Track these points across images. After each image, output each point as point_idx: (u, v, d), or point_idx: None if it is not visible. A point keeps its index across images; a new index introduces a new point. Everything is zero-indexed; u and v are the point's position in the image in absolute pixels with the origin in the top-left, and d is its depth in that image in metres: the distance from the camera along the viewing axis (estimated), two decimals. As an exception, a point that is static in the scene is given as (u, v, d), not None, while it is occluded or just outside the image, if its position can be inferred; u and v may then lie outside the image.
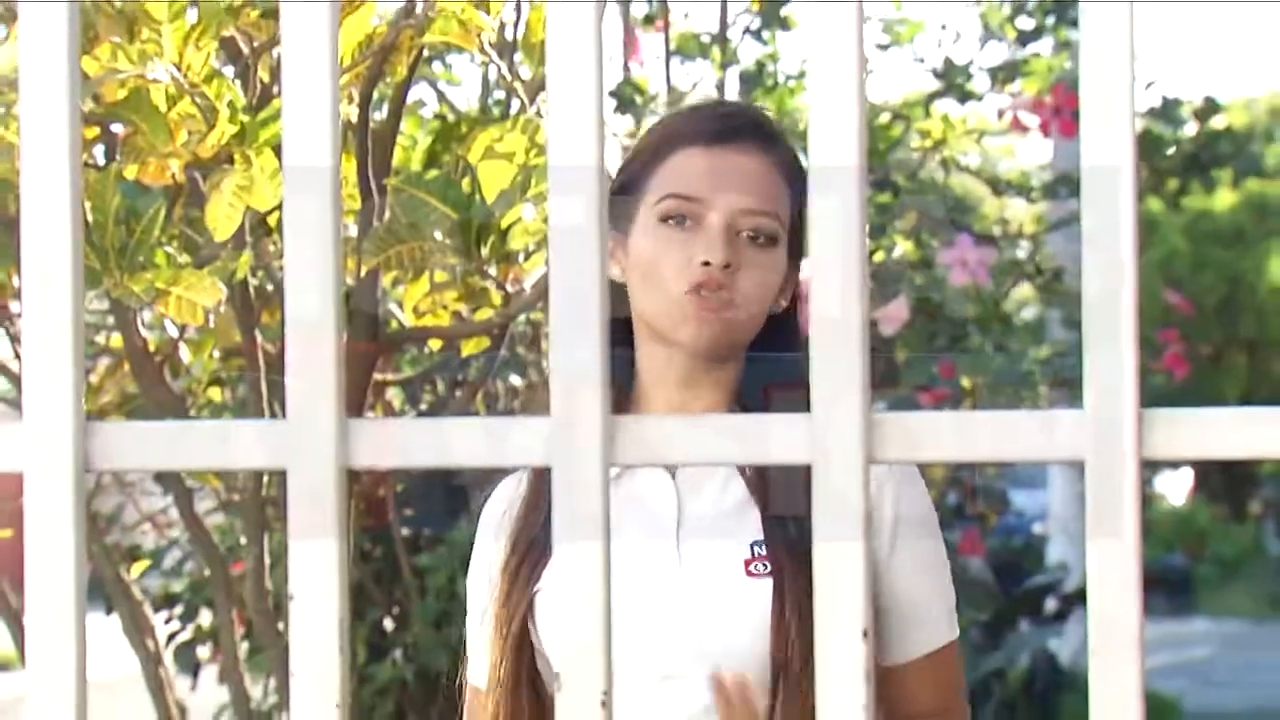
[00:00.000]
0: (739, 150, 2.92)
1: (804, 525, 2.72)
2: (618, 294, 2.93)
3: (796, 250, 2.94)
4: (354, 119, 4.31)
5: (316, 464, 1.26)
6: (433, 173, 4.57)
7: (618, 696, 2.19)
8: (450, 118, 5.36)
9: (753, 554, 2.84)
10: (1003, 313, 7.31)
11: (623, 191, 2.98)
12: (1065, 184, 8.33)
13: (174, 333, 5.02)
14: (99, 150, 4.17)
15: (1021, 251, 8.12)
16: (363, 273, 4.33)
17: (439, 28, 4.28)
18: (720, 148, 2.91)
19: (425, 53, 4.67)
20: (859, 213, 1.23)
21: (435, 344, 5.20)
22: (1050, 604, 10.77)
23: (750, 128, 3.00)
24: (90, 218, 3.73)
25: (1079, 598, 10.67)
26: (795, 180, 2.91)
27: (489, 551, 3.01)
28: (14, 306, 4.51)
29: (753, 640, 2.79)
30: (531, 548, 2.92)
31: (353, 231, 4.49)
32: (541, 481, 2.88)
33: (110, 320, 4.92)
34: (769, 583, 2.80)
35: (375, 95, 4.55)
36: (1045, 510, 15.58)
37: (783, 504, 2.87)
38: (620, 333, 2.89)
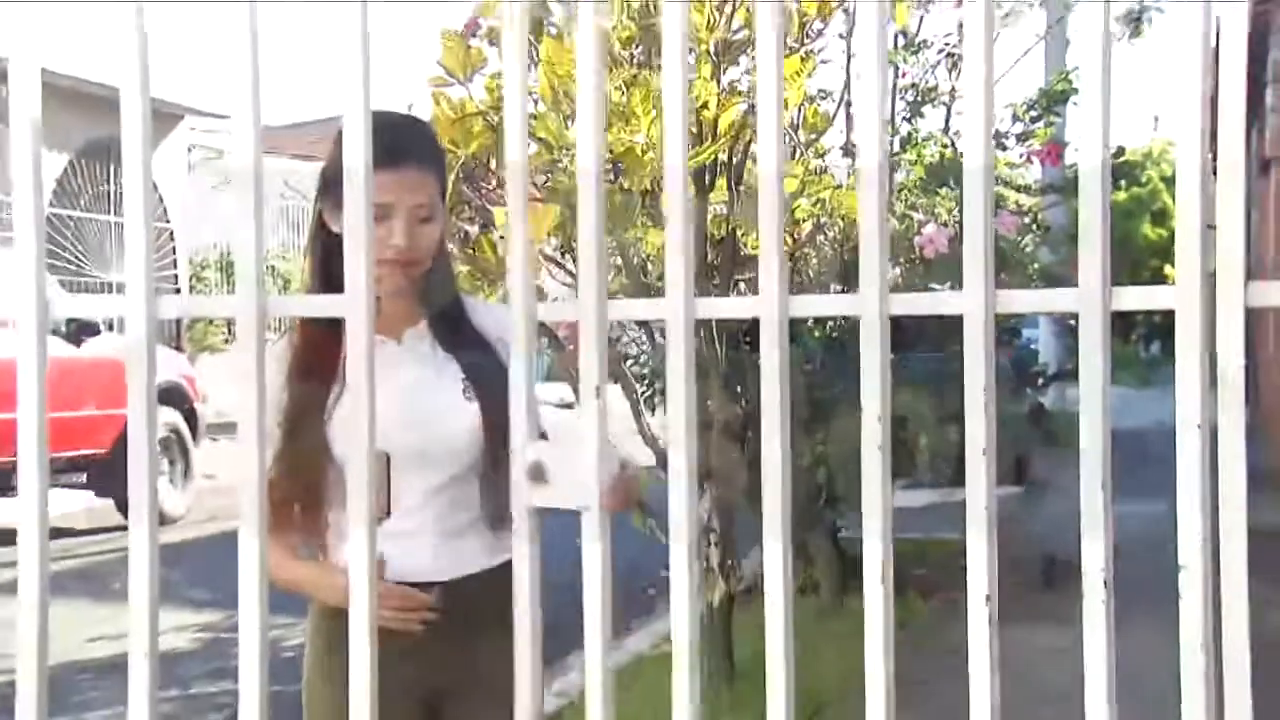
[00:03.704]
0: (403, 169, 2.08)
1: (495, 376, 1.94)
2: None
3: (442, 210, 2.16)
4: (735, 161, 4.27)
5: (678, 317, 1.19)
6: (760, 184, 4.53)
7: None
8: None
9: (464, 387, 2.16)
10: (1019, 248, 7.04)
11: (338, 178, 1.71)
12: (1050, 189, 8.12)
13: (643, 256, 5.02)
14: (611, 174, 4.16)
15: (1028, 219, 7.79)
16: (728, 229, 4.32)
17: (763, 118, 4.25)
18: (391, 168, 2.03)
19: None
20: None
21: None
22: (1039, 381, 10.43)
23: (404, 151, 2.10)
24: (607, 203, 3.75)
25: (1055, 377, 10.39)
26: (441, 170, 2.17)
27: (275, 379, 2.10)
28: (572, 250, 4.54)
29: (468, 442, 2.15)
30: (309, 380, 2.12)
31: (722, 210, 4.47)
32: (310, 335, 2.16)
33: (616, 250, 4.93)
34: (477, 405, 2.14)
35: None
36: (1037, 338, 15.16)
37: (472, 361, 2.17)
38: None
